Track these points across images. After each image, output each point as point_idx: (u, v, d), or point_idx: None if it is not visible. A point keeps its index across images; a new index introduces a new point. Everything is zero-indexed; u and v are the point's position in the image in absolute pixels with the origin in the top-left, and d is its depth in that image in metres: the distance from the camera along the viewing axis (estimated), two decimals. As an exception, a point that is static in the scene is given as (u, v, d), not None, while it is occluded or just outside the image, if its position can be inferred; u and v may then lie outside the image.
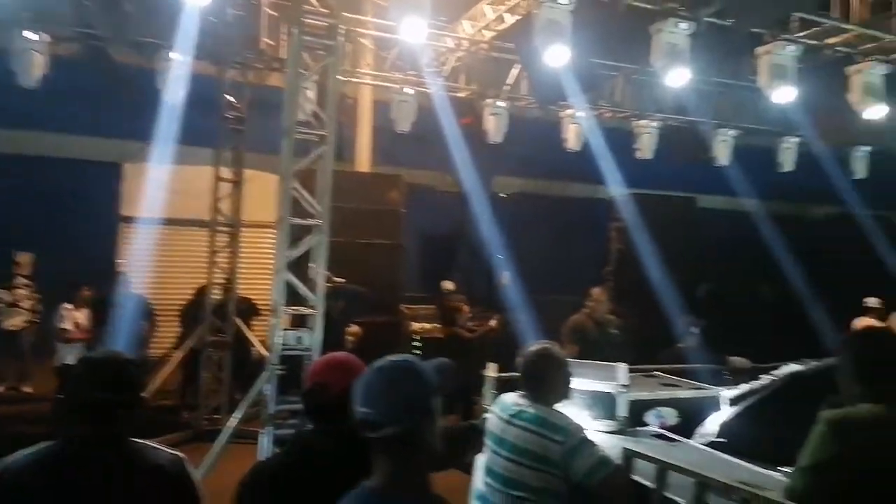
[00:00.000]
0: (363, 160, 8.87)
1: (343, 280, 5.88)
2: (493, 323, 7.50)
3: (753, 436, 3.06)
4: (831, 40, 6.29)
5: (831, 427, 1.92)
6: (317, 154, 4.90)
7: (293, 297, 4.83)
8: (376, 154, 8.85)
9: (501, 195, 9.14)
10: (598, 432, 3.00)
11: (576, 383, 2.82)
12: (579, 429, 2.46)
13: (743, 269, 10.74)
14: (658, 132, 8.38)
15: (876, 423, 1.88)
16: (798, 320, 9.18)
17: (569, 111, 7.90)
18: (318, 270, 4.86)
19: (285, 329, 4.75)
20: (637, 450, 2.45)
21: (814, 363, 3.26)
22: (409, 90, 7.03)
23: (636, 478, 2.39)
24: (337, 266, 5.95)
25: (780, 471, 2.64)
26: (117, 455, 1.74)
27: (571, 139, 7.96)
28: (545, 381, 2.61)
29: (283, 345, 4.68)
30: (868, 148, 9.13)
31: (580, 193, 10.73)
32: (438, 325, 7.96)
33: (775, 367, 4.50)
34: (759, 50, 5.98)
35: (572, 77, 6.68)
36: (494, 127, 7.54)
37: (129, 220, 9.15)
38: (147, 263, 7.37)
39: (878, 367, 2.01)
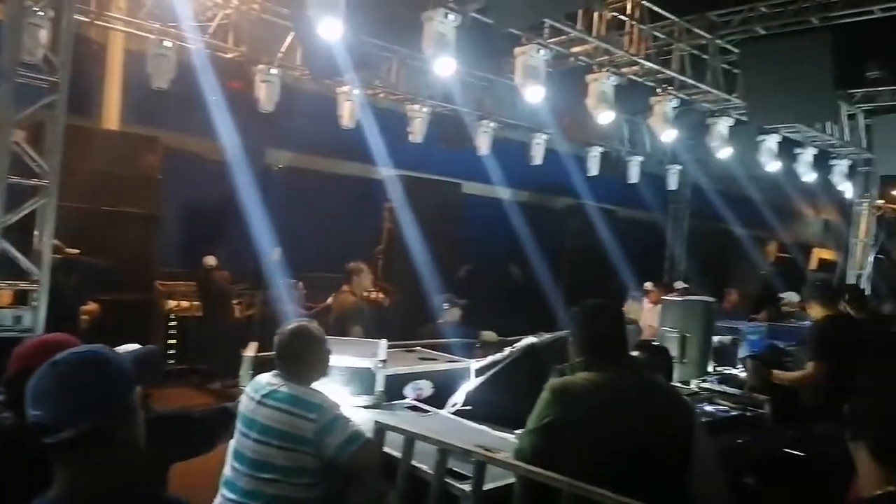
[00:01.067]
0: (111, 117, 7.89)
1: (78, 251, 5.17)
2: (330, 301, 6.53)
3: (493, 402, 3.36)
4: (575, 49, 7.08)
5: (553, 393, 2.17)
6: (44, 103, 4.23)
7: (13, 270, 4.15)
8: (128, 112, 7.93)
9: (273, 168, 8.79)
10: (356, 408, 3.06)
11: (335, 360, 2.84)
12: (334, 405, 2.48)
13: (498, 251, 11.75)
14: (429, 118, 8.75)
15: (590, 389, 2.15)
16: (541, 298, 10.32)
17: (344, 88, 7.86)
18: (44, 240, 4.22)
19: (1, 307, 4.07)
20: (388, 422, 2.54)
21: (547, 335, 3.66)
22: (167, 43, 6.38)
23: (387, 449, 2.47)
24: (78, 236, 5.25)
25: (515, 434, 2.94)
26: None
27: (346, 116, 7.94)
28: (301, 360, 2.58)
29: (-2, 325, 4.01)
30: (600, 148, 10.48)
31: (355, 172, 10.77)
32: (198, 303, 7.47)
33: (517, 340, 5.01)
34: (517, 50, 6.51)
35: (346, 53, 6.67)
36: (266, 95, 7.21)
37: None
38: None
39: (595, 339, 2.30)
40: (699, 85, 7.85)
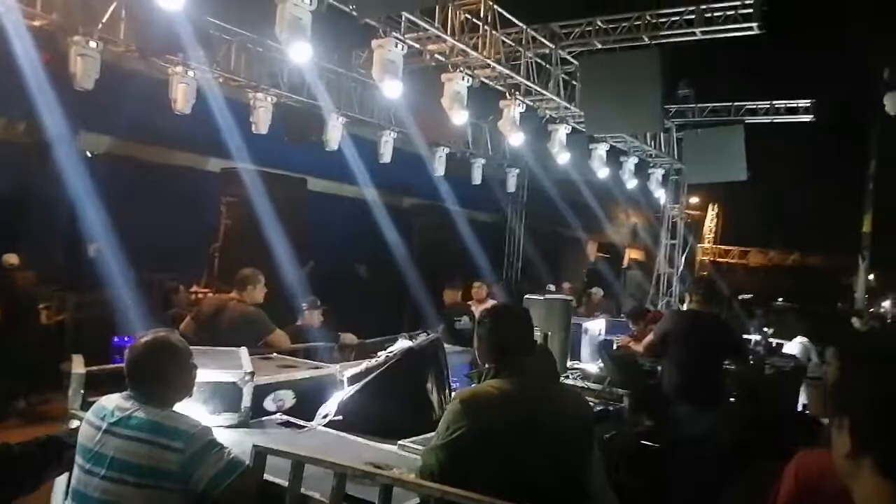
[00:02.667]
0: None
1: None
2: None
3: (371, 412, 3.14)
4: (431, 47, 7.04)
5: (463, 404, 2.02)
6: None
7: None
8: None
9: (89, 154, 7.72)
10: (220, 427, 2.68)
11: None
12: (205, 432, 2.12)
13: (345, 250, 11.43)
14: (273, 108, 8.22)
15: (501, 398, 2.04)
16: (390, 297, 10.21)
17: (178, 69, 7.12)
18: None
19: None
20: (269, 445, 2.23)
21: (422, 338, 3.50)
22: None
23: (267, 476, 2.17)
24: None
25: (401, 445, 2.76)
26: None
27: (180, 101, 7.18)
28: (161, 378, 2.18)
29: None
30: (446, 149, 10.59)
31: (188, 163, 9.86)
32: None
33: (383, 342, 4.81)
34: (375, 43, 6.31)
35: (183, 29, 6.04)
36: (83, 71, 6.28)
37: None
38: None
39: (504, 344, 2.18)
40: (543, 92, 8.20)
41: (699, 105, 10.87)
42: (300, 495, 2.06)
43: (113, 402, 2.16)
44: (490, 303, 6.84)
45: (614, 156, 10.51)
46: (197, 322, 4.58)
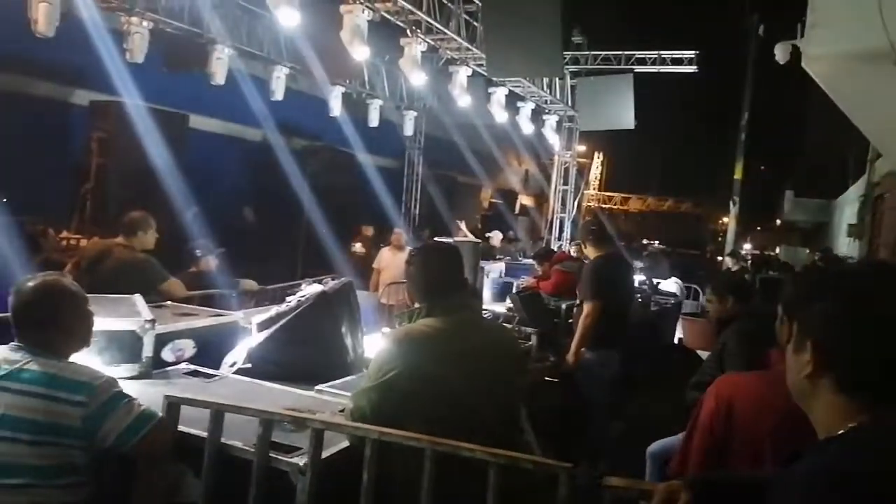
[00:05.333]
0: None
1: None
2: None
3: (283, 357, 3.01)
4: (329, -24, 6.64)
5: (396, 344, 1.96)
6: None
7: None
8: None
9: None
10: (121, 379, 2.45)
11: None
12: (109, 383, 1.92)
13: (230, 193, 10.84)
14: (150, 36, 7.46)
15: (433, 336, 1.98)
16: (285, 242, 9.86)
17: (37, -16, 6.24)
18: None
19: None
20: (177, 394, 2.06)
21: (333, 282, 3.38)
22: None
23: (182, 427, 2.01)
24: None
25: (318, 391, 2.66)
26: None
27: (42, 21, 6.31)
28: (55, 326, 1.94)
29: None
30: (342, 89, 10.17)
31: (49, 94, 8.82)
32: None
33: (286, 288, 4.62)
34: (269, -34, 5.85)
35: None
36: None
37: None
38: None
39: (435, 282, 2.12)
40: (445, 31, 8.01)
41: (592, 53, 11.11)
42: (221, 444, 1.93)
43: (1, 355, 1.90)
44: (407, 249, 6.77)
45: (511, 101, 10.57)
46: (77, 269, 4.15)
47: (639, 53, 10.77)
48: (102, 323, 2.52)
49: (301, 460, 1.86)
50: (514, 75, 9.37)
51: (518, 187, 21.09)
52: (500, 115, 10.08)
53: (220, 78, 8.31)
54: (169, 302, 3.87)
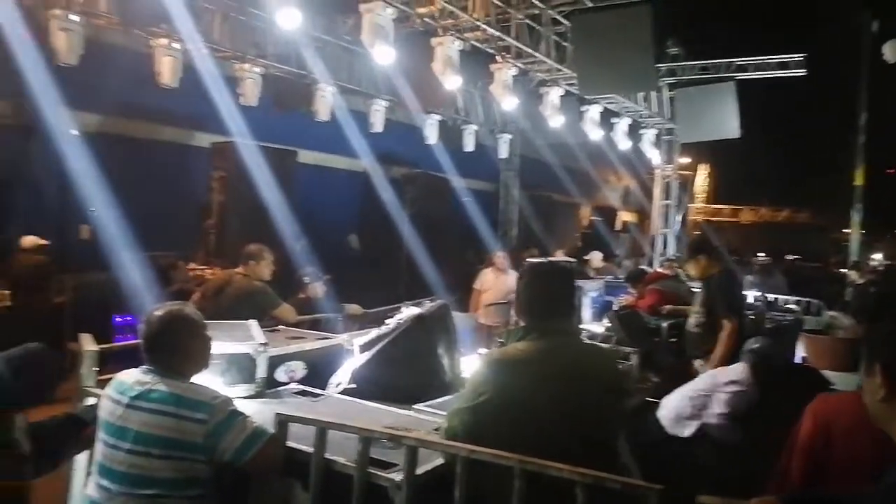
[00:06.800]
0: None
1: None
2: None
3: (383, 378, 3.15)
4: (420, 10, 6.91)
5: (489, 366, 2.01)
6: None
7: None
8: None
9: (75, 132, 7.56)
10: (237, 399, 2.68)
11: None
12: (226, 402, 2.12)
13: (336, 222, 11.37)
14: (261, 79, 8.07)
15: (530, 360, 2.00)
16: (388, 267, 10.19)
17: (162, 41, 6.94)
18: None
19: None
20: (287, 412, 2.23)
21: (430, 304, 3.50)
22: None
23: (290, 443, 2.17)
24: None
25: (416, 410, 2.77)
26: None
27: (166, 73, 7.02)
28: (179, 351, 2.17)
29: None
30: (438, 117, 10.46)
31: (175, 138, 9.70)
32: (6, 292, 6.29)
33: (389, 312, 4.80)
34: (363, 7, 6.17)
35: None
36: (66, 46, 6.13)
37: None
38: None
39: (538, 301, 2.12)
40: (535, 54, 8.09)
41: (689, 63, 10.78)
42: (325, 460, 2.07)
43: (132, 377, 2.14)
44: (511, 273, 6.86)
45: (605, 118, 10.45)
46: (204, 297, 4.56)
47: (739, 60, 10.33)
48: (222, 347, 2.78)
49: (397, 476, 1.96)
50: (605, 92, 9.27)
51: (618, 204, 20.65)
52: (595, 133, 9.98)
53: (324, 114, 8.83)
54: (281, 326, 4.17)
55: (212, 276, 5.38)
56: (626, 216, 20.91)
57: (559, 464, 1.71)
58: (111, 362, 3.03)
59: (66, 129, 7.08)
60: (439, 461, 2.07)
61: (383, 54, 6.21)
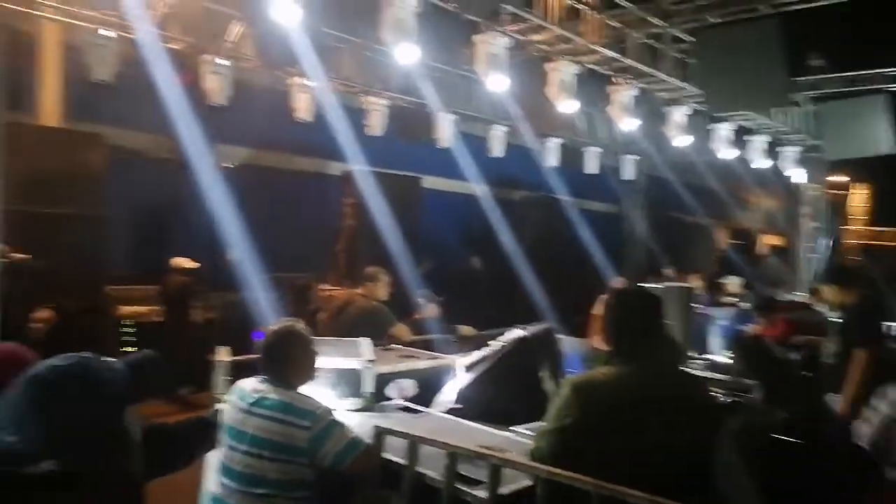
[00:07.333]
0: (49, 112, 7.36)
1: (25, 256, 4.80)
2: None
3: (486, 399, 3.22)
4: (534, 37, 6.99)
5: (574, 392, 2.02)
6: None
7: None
8: (70, 107, 7.42)
9: (225, 165, 8.41)
10: (346, 411, 2.88)
11: (319, 362, 2.65)
12: (327, 411, 2.30)
13: (460, 245, 11.63)
14: (387, 110, 8.53)
15: (613, 385, 2.01)
16: (507, 290, 10.24)
17: (297, 79, 7.57)
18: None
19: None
20: (387, 426, 2.37)
21: (535, 327, 3.53)
22: (107, 32, 5.94)
23: (387, 455, 2.30)
24: (18, 239, 4.92)
25: (514, 431, 2.81)
26: None
27: (302, 109, 7.64)
28: (289, 363, 2.39)
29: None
30: (559, 139, 10.46)
31: (310, 168, 10.46)
32: (159, 308, 7.09)
33: (500, 333, 4.87)
34: (476, 38, 6.37)
35: (302, 41, 6.41)
36: (216, 88, 6.85)
37: None
38: None
39: (625, 327, 2.12)
40: (655, 73, 7.90)
41: (834, 75, 9.99)
42: (416, 472, 2.17)
43: (250, 385, 2.38)
44: None
45: (739, 135, 9.92)
46: (330, 316, 4.93)
47: (889, 70, 9.41)
48: (334, 362, 2.99)
49: (482, 493, 2.02)
50: (734, 110, 8.82)
51: (758, 226, 19.33)
52: (726, 152, 9.50)
53: (446, 142, 9.15)
54: (395, 345, 4.37)
55: (337, 297, 5.77)
56: (768, 240, 19.52)
57: (636, 491, 1.69)
58: (245, 372, 3.35)
59: (215, 162, 7.88)
60: (527, 482, 2.11)
61: (497, 82, 6.36)
